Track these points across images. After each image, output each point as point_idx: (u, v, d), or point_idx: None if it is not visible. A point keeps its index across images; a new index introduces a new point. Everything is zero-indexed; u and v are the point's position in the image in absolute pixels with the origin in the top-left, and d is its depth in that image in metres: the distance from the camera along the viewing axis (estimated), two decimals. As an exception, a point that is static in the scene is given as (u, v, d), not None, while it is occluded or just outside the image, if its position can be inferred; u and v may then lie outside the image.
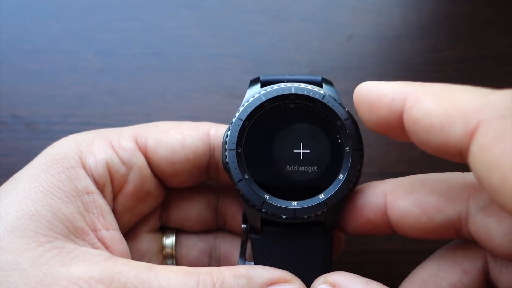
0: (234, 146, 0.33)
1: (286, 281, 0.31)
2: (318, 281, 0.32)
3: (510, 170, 0.21)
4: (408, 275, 0.34)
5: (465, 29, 0.53)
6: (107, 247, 0.32)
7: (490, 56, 0.52)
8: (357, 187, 0.35)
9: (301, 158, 0.33)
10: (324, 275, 0.32)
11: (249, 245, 0.36)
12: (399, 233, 0.33)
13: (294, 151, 0.33)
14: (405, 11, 0.54)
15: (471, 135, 0.23)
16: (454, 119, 0.24)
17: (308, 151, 0.33)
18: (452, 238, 0.32)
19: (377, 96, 0.29)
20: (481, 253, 0.31)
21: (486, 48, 0.53)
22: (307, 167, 0.33)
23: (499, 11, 0.54)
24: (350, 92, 0.50)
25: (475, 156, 0.23)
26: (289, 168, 0.33)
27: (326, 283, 0.31)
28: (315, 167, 0.33)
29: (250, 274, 0.31)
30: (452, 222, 0.31)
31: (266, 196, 0.33)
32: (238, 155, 0.33)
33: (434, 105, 0.25)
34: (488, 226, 0.29)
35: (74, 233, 0.30)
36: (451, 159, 0.26)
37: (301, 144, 0.34)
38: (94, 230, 0.32)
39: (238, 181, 0.33)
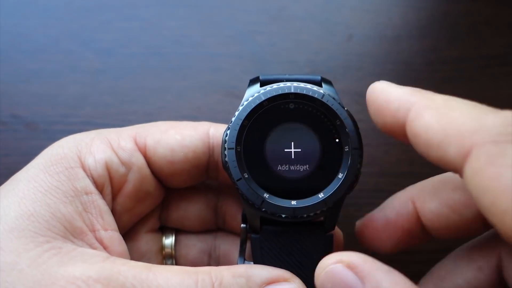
0: (233, 145, 0.33)
1: (285, 280, 0.31)
2: (329, 259, 0.28)
3: (499, 194, 0.22)
4: (427, 273, 0.35)
5: (464, 29, 0.53)
6: (105, 248, 0.32)
7: (490, 56, 0.52)
8: (382, 204, 0.36)
9: (301, 157, 0.33)
10: (336, 253, 0.29)
11: (248, 245, 0.36)
12: (435, 236, 0.34)
13: (294, 150, 0.34)
14: (404, 11, 0.54)
15: (465, 157, 0.24)
16: (450, 139, 0.25)
17: (308, 150, 0.34)
18: (482, 232, 0.33)
19: (384, 101, 0.29)
20: (495, 251, 0.32)
21: (486, 48, 0.53)
22: (306, 166, 0.33)
23: (499, 11, 0.54)
24: (350, 92, 0.51)
25: (468, 178, 0.24)
26: (289, 167, 0.33)
27: (342, 263, 0.28)
28: (315, 166, 0.33)
29: (249, 273, 0.31)
30: (479, 214, 0.31)
31: (266, 195, 0.33)
32: (237, 154, 0.33)
33: (433, 122, 0.26)
34: None
35: (72, 233, 0.30)
36: (448, 170, 0.27)
37: (301, 143, 0.34)
38: (93, 231, 0.32)
39: (238, 180, 0.33)
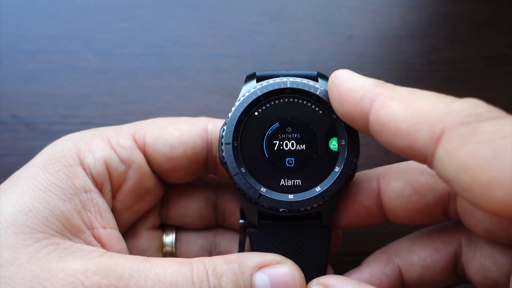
0: (230, 140, 0.33)
1: (278, 263, 0.32)
2: (311, 284, 0.32)
3: (478, 170, 0.22)
4: (383, 247, 0.36)
5: (465, 29, 0.53)
6: (103, 246, 0.32)
7: (490, 56, 0.52)
8: None
9: (298, 151, 0.34)
10: (317, 278, 0.32)
11: (247, 240, 0.36)
12: (390, 218, 0.34)
13: (291, 144, 0.34)
14: (405, 11, 0.54)
15: (436, 141, 0.24)
16: (419, 125, 0.25)
17: (304, 144, 0.34)
18: (439, 220, 0.34)
19: (347, 90, 0.30)
20: (455, 238, 0.33)
21: (486, 48, 0.53)
22: (303, 160, 0.34)
23: (499, 11, 0.54)
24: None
25: (442, 160, 0.24)
26: (285, 162, 0.34)
27: (319, 285, 0.32)
28: (312, 160, 0.34)
29: (241, 259, 0.31)
30: (441, 199, 0.32)
31: (263, 189, 0.33)
32: (234, 149, 0.33)
33: (401, 110, 0.27)
34: None
35: (70, 230, 0.30)
36: (413, 160, 0.27)
37: (298, 137, 0.34)
38: (91, 228, 0.32)
39: (235, 175, 0.33)
